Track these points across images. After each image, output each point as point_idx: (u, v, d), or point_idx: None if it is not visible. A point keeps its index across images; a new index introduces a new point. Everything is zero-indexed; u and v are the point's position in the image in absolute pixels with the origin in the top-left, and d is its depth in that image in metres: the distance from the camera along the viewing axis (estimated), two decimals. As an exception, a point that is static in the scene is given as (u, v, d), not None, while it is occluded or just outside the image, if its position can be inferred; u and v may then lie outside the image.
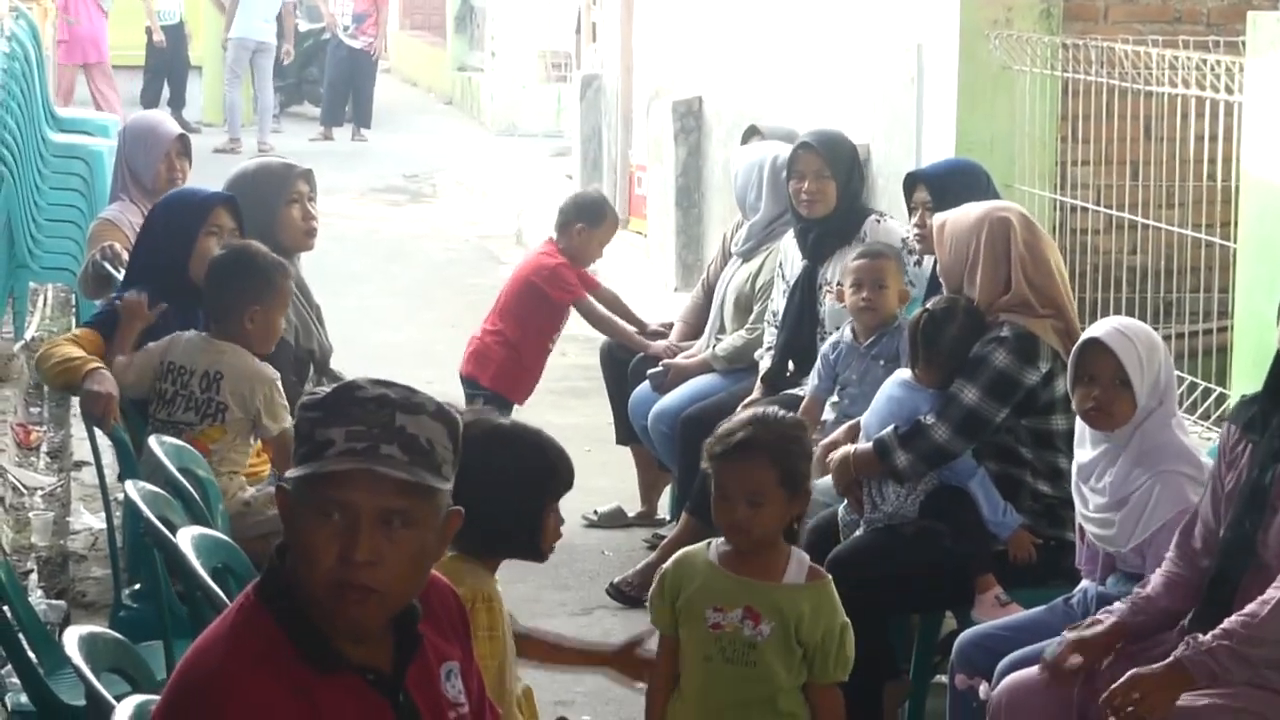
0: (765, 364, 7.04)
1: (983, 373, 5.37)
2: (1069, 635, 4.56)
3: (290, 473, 2.92)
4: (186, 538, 4.34)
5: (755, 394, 6.95)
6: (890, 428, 5.45)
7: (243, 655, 2.87)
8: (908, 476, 5.42)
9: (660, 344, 7.73)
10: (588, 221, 7.95)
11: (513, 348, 7.94)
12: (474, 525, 3.89)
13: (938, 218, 5.69)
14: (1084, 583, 4.94)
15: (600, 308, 7.96)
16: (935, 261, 6.02)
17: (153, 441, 5.15)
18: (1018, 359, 5.36)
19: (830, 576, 4.35)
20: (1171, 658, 4.20)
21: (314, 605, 2.90)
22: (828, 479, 5.69)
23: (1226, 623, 4.19)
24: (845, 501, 5.63)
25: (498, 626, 3.93)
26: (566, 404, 9.41)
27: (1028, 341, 5.38)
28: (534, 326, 7.97)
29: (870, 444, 5.49)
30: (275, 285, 5.76)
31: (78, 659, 3.47)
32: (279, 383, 5.68)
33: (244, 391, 5.63)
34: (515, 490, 3.95)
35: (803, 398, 6.50)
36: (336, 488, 2.86)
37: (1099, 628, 4.52)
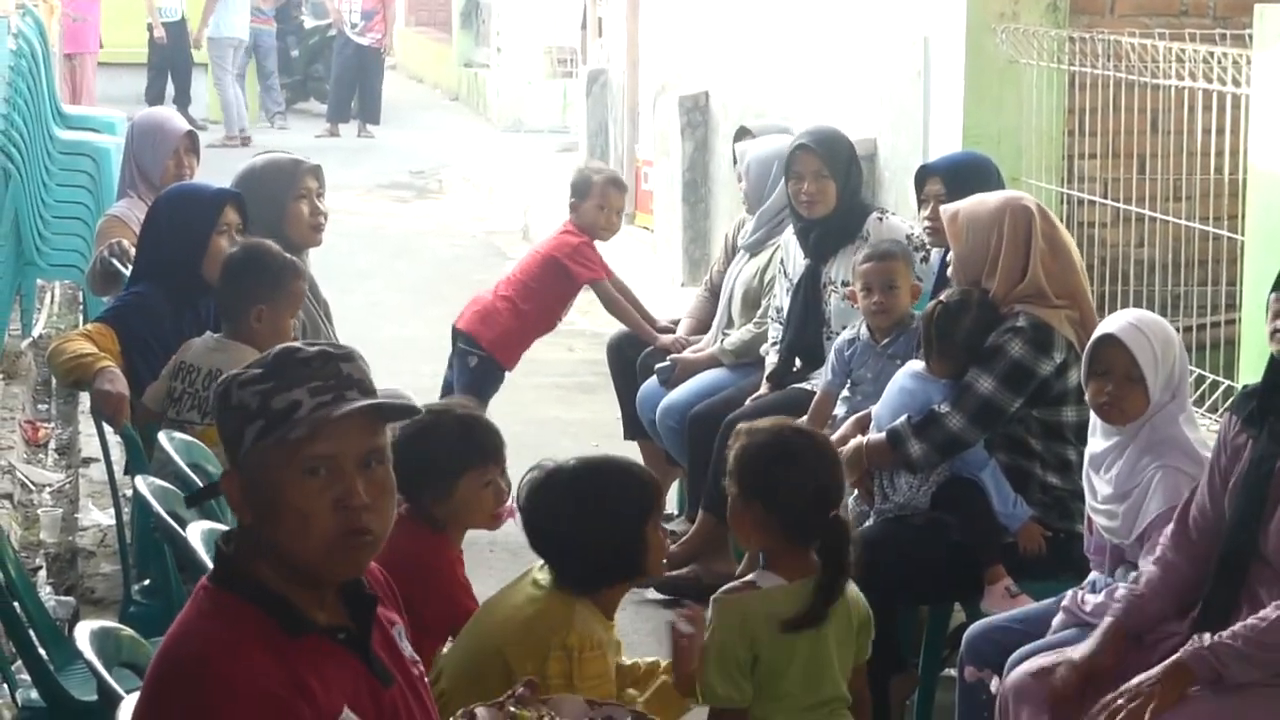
0: (771, 360, 7.03)
1: (999, 362, 5.36)
2: (1074, 658, 4.48)
3: (262, 444, 2.94)
4: (196, 533, 4.34)
5: (762, 390, 6.94)
6: (904, 417, 5.45)
7: (223, 637, 2.93)
8: (921, 466, 5.42)
9: (669, 337, 7.73)
10: (578, 196, 7.98)
11: (521, 317, 7.96)
12: (581, 562, 4.01)
13: (947, 209, 5.66)
14: (1092, 574, 4.93)
15: (616, 293, 7.97)
16: (944, 254, 6.01)
17: (162, 437, 5.16)
18: (1033, 349, 5.36)
19: (720, 599, 4.31)
20: (1172, 659, 4.20)
21: (300, 570, 2.96)
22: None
23: (1236, 625, 4.18)
24: (855, 493, 5.63)
25: (606, 674, 3.99)
26: (574, 399, 9.39)
27: (1043, 332, 5.38)
28: (546, 302, 7.98)
29: (883, 434, 5.49)
30: (284, 285, 5.74)
31: (89, 654, 3.48)
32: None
33: None
34: (614, 519, 4.06)
35: (812, 393, 6.49)
36: (318, 443, 2.94)
37: (1096, 640, 4.47)
